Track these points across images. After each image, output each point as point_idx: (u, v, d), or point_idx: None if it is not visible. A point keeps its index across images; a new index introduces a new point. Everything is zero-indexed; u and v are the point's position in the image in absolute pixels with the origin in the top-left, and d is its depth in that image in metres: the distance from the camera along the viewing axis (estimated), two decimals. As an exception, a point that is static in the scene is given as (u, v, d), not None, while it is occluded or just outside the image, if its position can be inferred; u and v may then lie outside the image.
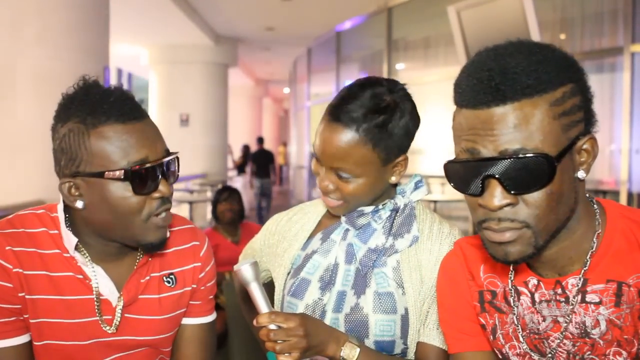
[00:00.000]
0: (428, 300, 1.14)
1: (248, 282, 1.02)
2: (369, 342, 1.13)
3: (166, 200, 1.04)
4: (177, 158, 1.08)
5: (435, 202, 5.86)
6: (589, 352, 0.85)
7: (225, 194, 3.70)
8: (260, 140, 11.76)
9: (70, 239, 1.04)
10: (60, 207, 1.08)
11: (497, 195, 0.79)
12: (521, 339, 0.92)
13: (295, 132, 12.32)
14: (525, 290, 0.91)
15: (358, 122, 1.09)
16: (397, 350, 1.14)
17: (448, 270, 1.04)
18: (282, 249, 1.29)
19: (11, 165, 3.66)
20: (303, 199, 10.88)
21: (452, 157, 0.87)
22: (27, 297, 1.02)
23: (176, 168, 1.07)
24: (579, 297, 0.84)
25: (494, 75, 0.78)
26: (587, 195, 0.89)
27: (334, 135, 1.10)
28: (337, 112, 1.11)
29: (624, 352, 0.82)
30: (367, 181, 1.13)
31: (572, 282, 0.85)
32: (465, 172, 0.82)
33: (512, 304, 0.93)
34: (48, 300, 1.03)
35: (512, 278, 0.93)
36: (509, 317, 0.94)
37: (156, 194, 1.01)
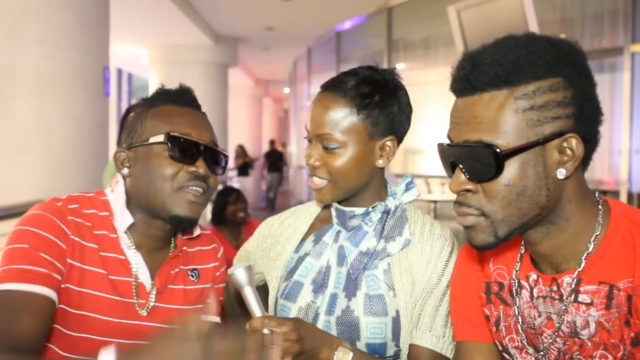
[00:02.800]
0: (420, 302, 1.13)
1: (242, 286, 1.02)
2: (361, 345, 1.12)
3: (201, 178, 1.11)
4: (226, 157, 1.19)
5: (435, 202, 5.86)
6: (577, 352, 0.85)
7: (234, 196, 3.71)
8: (272, 142, 13.93)
9: (125, 218, 1.12)
10: (118, 188, 1.15)
11: (457, 180, 0.84)
12: (520, 332, 0.92)
13: (295, 132, 12.31)
14: (526, 284, 0.91)
15: (346, 90, 1.13)
16: (390, 353, 1.14)
17: (462, 260, 1.06)
18: (275, 252, 1.29)
19: (11, 165, 3.66)
20: (303, 199, 10.88)
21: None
22: (79, 265, 1.07)
23: (222, 164, 1.18)
24: (572, 296, 0.84)
25: (466, 66, 0.83)
26: (596, 195, 0.88)
27: (323, 102, 1.14)
28: (328, 84, 1.16)
29: (610, 356, 0.81)
30: (353, 154, 1.12)
31: (567, 281, 0.85)
32: (442, 157, 0.89)
33: (515, 297, 0.93)
34: (96, 273, 1.08)
35: (517, 270, 0.93)
36: (511, 310, 0.94)
37: (191, 168, 1.09)
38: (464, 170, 0.83)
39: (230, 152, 11.78)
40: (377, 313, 1.13)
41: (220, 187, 6.30)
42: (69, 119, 3.71)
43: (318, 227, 1.27)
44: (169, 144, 1.08)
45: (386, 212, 1.18)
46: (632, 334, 0.79)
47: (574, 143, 0.79)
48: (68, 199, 1.12)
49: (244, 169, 11.80)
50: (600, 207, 0.86)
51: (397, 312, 1.13)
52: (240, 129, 15.35)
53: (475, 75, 0.81)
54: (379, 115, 1.13)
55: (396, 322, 1.13)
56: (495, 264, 0.99)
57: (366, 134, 1.13)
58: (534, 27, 4.58)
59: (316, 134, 1.14)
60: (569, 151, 0.80)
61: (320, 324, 1.15)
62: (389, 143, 1.16)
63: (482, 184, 0.82)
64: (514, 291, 0.93)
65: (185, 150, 1.09)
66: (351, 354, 1.06)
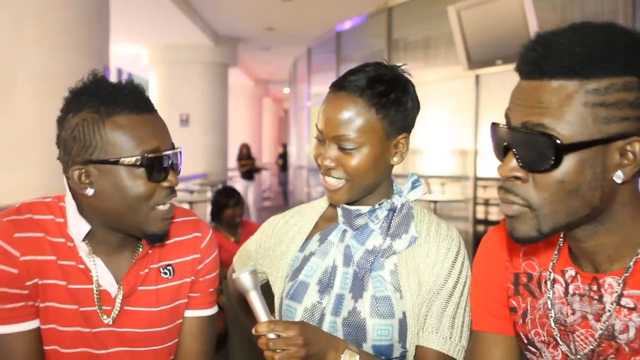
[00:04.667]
0: (426, 303, 1.13)
1: (247, 291, 1.01)
2: (367, 347, 1.12)
3: (173, 190, 1.08)
4: (181, 152, 1.12)
5: (435, 202, 5.86)
6: (612, 356, 0.82)
7: (234, 200, 3.71)
8: (284, 145, 15.35)
9: (80, 227, 1.06)
10: (68, 196, 1.09)
11: (507, 165, 0.79)
12: (552, 327, 0.89)
13: (295, 132, 12.31)
14: (561, 279, 0.89)
15: (362, 89, 1.10)
16: (396, 354, 1.13)
17: (488, 247, 1.03)
18: (279, 252, 1.28)
19: (11, 165, 3.66)
20: (303, 199, 10.88)
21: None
22: (39, 282, 1.05)
23: (179, 162, 1.11)
24: (616, 300, 0.81)
25: (538, 48, 0.77)
26: None
27: (338, 102, 1.11)
28: (341, 82, 1.13)
29: None
30: (370, 153, 1.10)
31: (610, 282, 0.82)
32: (495, 138, 0.83)
33: (542, 290, 0.91)
34: (56, 286, 1.06)
35: (554, 262, 0.90)
36: (538, 303, 0.92)
37: (165, 183, 1.06)
38: (517, 157, 0.78)
39: (230, 153, 11.31)
40: (383, 315, 1.12)
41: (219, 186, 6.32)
42: (69, 119, 3.70)
43: (323, 226, 1.26)
44: (146, 167, 1.02)
45: (392, 210, 1.17)
46: None
47: (637, 147, 0.74)
48: (19, 210, 1.07)
49: (249, 172, 10.90)
50: None
51: (404, 313, 1.12)
52: (240, 129, 15.36)
53: (547, 60, 0.76)
54: (396, 113, 1.12)
55: (403, 323, 1.12)
56: (525, 255, 0.96)
57: (383, 133, 1.12)
58: (533, 27, 4.58)
59: (332, 136, 1.11)
60: (630, 155, 0.75)
61: (326, 325, 1.15)
62: (402, 140, 1.15)
63: (533, 174, 0.77)
64: (549, 284, 0.90)
65: (159, 168, 1.04)
66: (358, 357, 1.05)
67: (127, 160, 1.01)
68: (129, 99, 1.04)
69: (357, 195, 1.15)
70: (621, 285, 0.81)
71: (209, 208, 4.06)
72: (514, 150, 0.79)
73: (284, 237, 1.29)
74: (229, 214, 3.66)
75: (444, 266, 1.14)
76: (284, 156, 14.98)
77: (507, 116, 0.81)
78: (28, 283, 1.03)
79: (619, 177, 0.76)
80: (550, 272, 0.90)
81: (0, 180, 3.64)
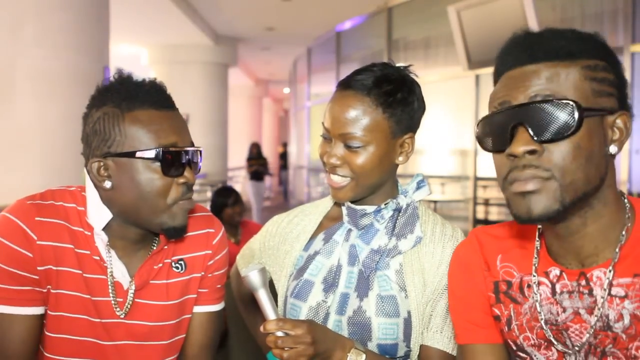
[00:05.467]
0: (431, 303, 1.13)
1: (256, 289, 1.02)
2: (372, 345, 1.12)
3: (190, 187, 1.08)
4: (201, 152, 1.13)
5: (435, 202, 5.86)
6: (610, 346, 0.83)
7: (232, 199, 3.71)
8: (284, 145, 15.91)
9: (102, 215, 1.07)
10: (90, 187, 1.10)
11: (523, 141, 0.80)
12: (536, 330, 0.91)
13: (295, 132, 12.31)
14: (546, 281, 0.90)
15: (369, 88, 1.11)
16: (400, 353, 1.14)
17: (462, 260, 1.03)
18: (283, 251, 1.28)
19: (11, 165, 3.66)
20: (303, 199, 10.88)
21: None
22: (53, 268, 1.05)
23: (199, 160, 1.12)
24: (607, 289, 0.83)
25: (529, 37, 0.85)
26: (619, 190, 0.89)
27: (345, 101, 1.11)
28: (348, 82, 1.13)
29: None
30: (377, 152, 1.11)
31: (598, 275, 0.84)
32: (497, 125, 0.84)
33: (526, 295, 0.92)
34: (71, 274, 1.06)
35: (536, 265, 0.92)
36: (523, 308, 0.93)
37: (181, 179, 1.06)
38: (531, 130, 0.79)
39: (230, 153, 11.16)
40: (389, 314, 1.12)
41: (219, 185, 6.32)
42: (69, 119, 3.70)
43: (327, 226, 1.26)
44: (162, 161, 1.03)
45: (397, 210, 1.18)
46: None
47: (625, 120, 0.82)
48: (43, 195, 1.08)
49: (257, 173, 10.28)
50: (624, 199, 0.87)
51: (409, 313, 1.13)
52: (240, 129, 15.36)
53: (539, 47, 0.82)
54: (402, 113, 1.12)
55: (408, 323, 1.12)
56: (502, 262, 0.97)
57: (390, 132, 1.12)
58: (534, 27, 4.57)
59: (339, 134, 1.11)
60: (617, 129, 0.82)
61: (330, 324, 1.15)
62: (408, 140, 1.16)
63: (548, 145, 0.79)
64: (534, 287, 0.91)
65: (175, 163, 1.05)
66: (364, 356, 1.06)
67: (143, 153, 1.02)
68: (149, 95, 1.06)
69: (361, 194, 1.15)
70: (610, 275, 0.83)
71: (209, 207, 4.08)
72: (526, 125, 0.80)
73: (288, 236, 1.29)
74: (229, 213, 3.66)
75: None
76: (284, 156, 15.40)
77: (502, 102, 0.84)
78: (40, 268, 1.04)
79: (614, 149, 0.81)
80: (534, 276, 0.92)
81: (0, 180, 3.64)
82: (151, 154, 1.02)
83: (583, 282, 0.85)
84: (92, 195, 1.08)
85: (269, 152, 20.45)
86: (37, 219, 1.03)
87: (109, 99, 1.05)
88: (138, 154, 1.02)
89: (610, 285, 0.83)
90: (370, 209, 1.17)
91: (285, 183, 15.09)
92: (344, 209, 1.21)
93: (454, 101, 6.12)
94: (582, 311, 0.86)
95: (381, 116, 1.11)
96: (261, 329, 1.01)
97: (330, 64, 8.74)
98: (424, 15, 6.51)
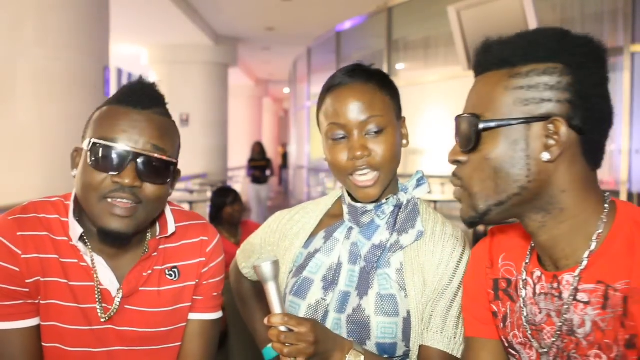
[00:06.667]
0: (431, 303, 1.13)
1: (266, 280, 1.01)
2: (371, 344, 1.12)
3: (127, 190, 1.02)
4: (171, 164, 1.06)
5: (435, 202, 5.85)
6: (573, 351, 0.84)
7: (231, 198, 3.71)
8: (284, 145, 16.76)
9: (75, 229, 1.06)
10: (72, 196, 1.10)
11: (453, 151, 0.89)
12: (522, 328, 0.92)
13: (295, 132, 12.31)
14: (530, 281, 0.91)
15: (368, 75, 1.16)
16: (399, 353, 1.14)
17: (474, 255, 1.07)
18: (283, 247, 1.29)
19: (11, 165, 3.66)
20: (303, 199, 10.88)
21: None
22: (41, 279, 1.05)
23: (165, 172, 1.06)
24: (572, 294, 0.84)
25: (480, 49, 0.89)
26: (605, 195, 0.87)
27: (353, 91, 1.14)
28: (345, 76, 1.16)
29: (604, 356, 0.81)
30: (393, 135, 1.14)
31: (567, 279, 0.85)
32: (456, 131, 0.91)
33: (519, 294, 0.94)
34: (58, 283, 1.07)
35: (527, 262, 0.93)
36: (516, 306, 0.94)
37: (116, 178, 1.01)
38: (458, 142, 0.88)
39: (230, 153, 10.79)
40: (388, 313, 1.12)
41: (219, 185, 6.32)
42: (69, 119, 3.71)
43: (328, 223, 1.26)
44: (89, 152, 1.02)
45: (398, 207, 1.18)
46: (626, 336, 0.79)
47: (559, 127, 0.80)
48: (25, 208, 1.08)
49: (263, 177, 9.57)
50: (606, 205, 0.85)
51: (408, 312, 1.13)
52: (240, 129, 15.34)
53: (485, 56, 0.87)
54: (396, 95, 1.19)
55: (407, 322, 1.12)
56: (504, 260, 0.99)
57: (395, 113, 1.17)
58: (533, 27, 4.58)
59: (359, 122, 1.12)
60: (555, 136, 0.80)
61: (329, 322, 1.15)
62: (404, 124, 1.21)
63: (469, 156, 0.86)
64: (520, 286, 0.93)
65: (106, 157, 1.01)
66: (362, 357, 1.05)
67: (84, 143, 1.05)
68: (124, 92, 1.07)
69: (385, 186, 1.16)
70: (576, 280, 0.83)
71: (208, 208, 4.07)
72: (456, 137, 0.88)
73: (289, 232, 1.29)
74: (228, 212, 3.66)
75: (449, 266, 1.14)
76: (284, 156, 15.91)
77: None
78: (28, 281, 1.04)
79: (545, 156, 0.81)
80: (523, 274, 0.93)
81: (0, 180, 3.64)
82: (87, 144, 1.04)
83: (555, 285, 0.86)
84: (70, 207, 1.09)
85: (269, 152, 20.45)
86: (19, 233, 1.04)
87: (113, 98, 1.09)
88: (83, 144, 1.06)
89: (576, 290, 0.83)
90: (370, 206, 1.17)
91: (286, 183, 15.37)
92: (344, 207, 1.21)
93: (454, 101, 6.11)
94: (552, 314, 0.87)
95: (387, 97, 1.15)
96: (265, 321, 1.01)
97: (330, 64, 8.74)
98: (424, 15, 6.51)
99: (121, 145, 1.01)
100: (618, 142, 4.70)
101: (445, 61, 6.20)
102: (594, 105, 0.81)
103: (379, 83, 1.15)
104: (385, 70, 7.12)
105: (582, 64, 0.81)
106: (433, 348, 1.11)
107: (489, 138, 0.83)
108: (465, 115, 0.86)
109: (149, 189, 1.04)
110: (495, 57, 0.85)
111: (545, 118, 0.80)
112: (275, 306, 1.01)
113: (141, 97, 1.05)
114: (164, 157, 1.05)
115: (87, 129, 1.08)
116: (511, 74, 0.83)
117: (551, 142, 0.80)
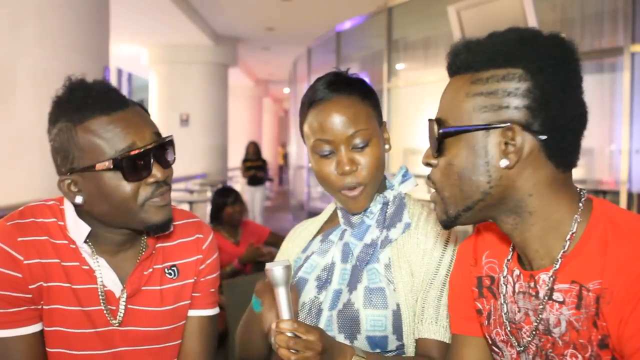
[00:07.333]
0: (421, 295, 1.14)
1: (276, 284, 0.99)
2: (361, 338, 1.13)
3: (162, 183, 1.05)
4: (171, 141, 1.09)
5: (435, 202, 5.86)
6: (550, 350, 0.85)
7: (232, 198, 3.71)
8: (284, 145, 17.26)
9: (81, 230, 1.06)
10: (67, 201, 1.09)
11: (426, 153, 0.90)
12: (505, 325, 0.93)
13: (295, 132, 12.32)
14: (510, 279, 0.92)
15: (349, 87, 1.17)
16: (392, 347, 1.14)
17: (460, 254, 1.07)
18: (285, 249, 1.36)
19: (11, 165, 3.66)
20: (303, 199, 10.88)
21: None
22: (44, 284, 1.05)
23: (171, 151, 1.09)
24: (548, 293, 0.84)
25: (450, 52, 0.89)
26: (581, 193, 0.87)
27: (337, 106, 1.15)
28: (327, 90, 1.17)
29: (579, 355, 0.81)
30: (377, 145, 1.16)
31: (543, 278, 0.85)
32: None
33: (500, 291, 0.94)
34: (61, 287, 1.06)
35: (507, 262, 0.94)
36: (498, 304, 0.95)
37: (150, 179, 1.03)
38: (430, 145, 0.89)
39: (230, 153, 10.65)
40: (376, 305, 1.13)
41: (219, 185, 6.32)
42: (69, 119, 3.70)
43: (326, 228, 1.31)
44: (122, 169, 0.99)
45: (385, 204, 1.21)
46: (599, 336, 0.79)
47: (516, 134, 0.79)
48: (22, 213, 1.07)
49: (255, 178, 9.19)
50: (580, 204, 0.85)
51: (398, 305, 1.14)
52: (240, 129, 15.35)
53: (454, 59, 0.87)
54: (375, 103, 1.21)
55: (397, 315, 1.13)
56: (488, 258, 0.99)
57: (377, 121, 1.19)
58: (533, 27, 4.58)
59: (346, 137, 1.14)
60: (512, 141, 0.80)
61: (323, 319, 1.17)
62: (384, 128, 1.23)
63: (438, 160, 0.87)
64: (501, 284, 0.94)
65: (136, 166, 1.01)
66: None
67: (102, 165, 0.99)
68: (97, 101, 1.01)
69: (373, 194, 1.20)
70: (552, 279, 0.83)
71: (208, 208, 4.08)
72: (429, 139, 0.90)
73: (296, 239, 1.36)
74: (229, 212, 3.66)
75: (434, 255, 1.16)
76: (284, 156, 16.11)
77: None
78: (31, 286, 1.04)
79: (504, 163, 0.81)
80: (504, 271, 0.94)
81: (0, 180, 3.64)
82: (109, 164, 0.99)
83: (532, 284, 0.87)
84: (69, 209, 1.08)
85: (269, 152, 20.46)
86: (19, 239, 1.03)
87: (62, 114, 1.03)
88: (98, 166, 1.00)
89: (552, 290, 0.83)
90: None
91: (287, 183, 15.51)
92: (339, 212, 1.25)
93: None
94: (530, 312, 0.87)
95: (369, 107, 1.17)
96: (273, 325, 1.01)
97: (330, 64, 8.74)
98: (424, 15, 6.51)
99: (140, 148, 1.01)
100: (618, 142, 4.70)
101: (445, 61, 6.20)
102: (556, 109, 0.79)
103: (360, 94, 1.17)
104: (385, 70, 7.16)
105: (542, 68, 0.79)
106: (430, 339, 1.12)
107: (452, 144, 0.84)
108: (431, 119, 0.87)
109: (170, 171, 1.09)
110: (461, 61, 0.85)
111: (503, 125, 0.80)
112: (284, 311, 1.00)
113: (115, 98, 1.04)
114: (168, 138, 1.09)
115: (72, 150, 1.01)
116: (472, 80, 0.83)
117: (510, 148, 0.80)
